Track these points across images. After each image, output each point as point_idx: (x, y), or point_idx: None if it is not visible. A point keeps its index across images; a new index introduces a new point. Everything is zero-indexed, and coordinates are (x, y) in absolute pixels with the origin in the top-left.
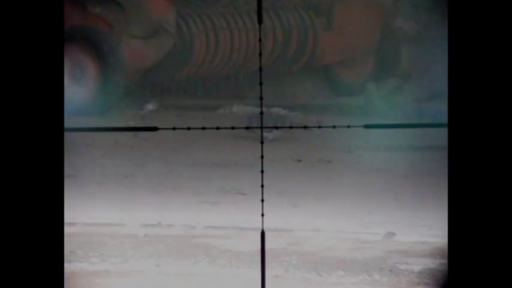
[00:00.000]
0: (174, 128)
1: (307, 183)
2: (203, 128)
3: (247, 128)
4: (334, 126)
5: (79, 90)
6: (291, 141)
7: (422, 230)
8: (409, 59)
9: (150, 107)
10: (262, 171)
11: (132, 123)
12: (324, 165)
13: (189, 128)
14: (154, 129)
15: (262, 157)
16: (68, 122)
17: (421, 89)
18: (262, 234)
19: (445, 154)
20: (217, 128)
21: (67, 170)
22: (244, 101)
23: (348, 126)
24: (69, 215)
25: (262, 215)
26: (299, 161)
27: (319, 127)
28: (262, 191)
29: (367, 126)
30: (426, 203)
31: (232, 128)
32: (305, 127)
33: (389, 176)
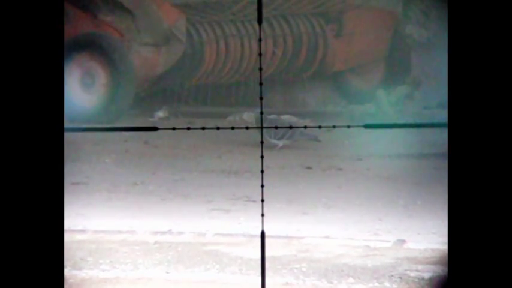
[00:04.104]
0: (174, 128)
1: (317, 190)
2: (203, 128)
3: (247, 128)
4: (334, 126)
5: (89, 97)
6: (301, 149)
7: (432, 237)
8: (419, 66)
9: (161, 114)
10: (262, 171)
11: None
12: (334, 173)
13: (188, 128)
14: (155, 129)
15: (262, 157)
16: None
17: (431, 96)
18: (262, 234)
19: None
20: (217, 128)
21: (78, 178)
22: (255, 108)
23: (348, 126)
24: (79, 222)
25: (262, 215)
26: (309, 168)
27: (319, 127)
28: (262, 191)
29: (367, 126)
30: (436, 210)
31: (232, 128)
32: (305, 127)
33: (400, 183)
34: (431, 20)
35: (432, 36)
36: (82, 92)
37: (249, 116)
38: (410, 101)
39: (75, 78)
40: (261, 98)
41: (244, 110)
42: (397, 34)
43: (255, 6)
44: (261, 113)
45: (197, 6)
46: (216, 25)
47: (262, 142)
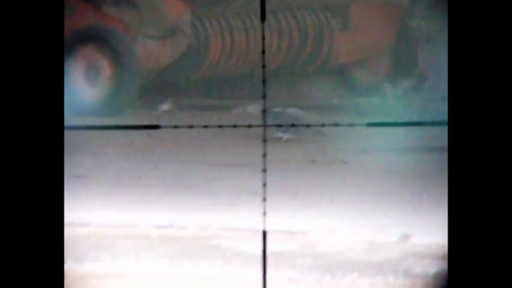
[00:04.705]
0: (176, 126)
1: (322, 184)
2: (205, 126)
3: (249, 126)
4: (337, 124)
5: (93, 90)
6: (306, 142)
7: (437, 232)
8: (425, 60)
9: (165, 107)
10: (264, 170)
11: (147, 124)
12: (339, 166)
13: (191, 126)
14: (157, 127)
15: (264, 155)
16: (82, 122)
17: (437, 90)
18: (264, 234)
19: None
20: (219, 127)
21: (80, 171)
22: (260, 101)
23: (351, 125)
24: (82, 216)
25: (264, 214)
26: (313, 162)
27: (323, 125)
28: (265, 189)
29: (370, 124)
30: (442, 205)
31: (235, 126)
32: (308, 125)
33: (405, 177)
34: (437, 13)
35: (438, 30)
36: (86, 84)
37: (254, 109)
38: (416, 94)
39: (79, 70)
40: (264, 96)
41: (249, 103)
42: (403, 27)
43: None
44: (264, 111)
45: None
46: (221, 18)
47: (265, 141)
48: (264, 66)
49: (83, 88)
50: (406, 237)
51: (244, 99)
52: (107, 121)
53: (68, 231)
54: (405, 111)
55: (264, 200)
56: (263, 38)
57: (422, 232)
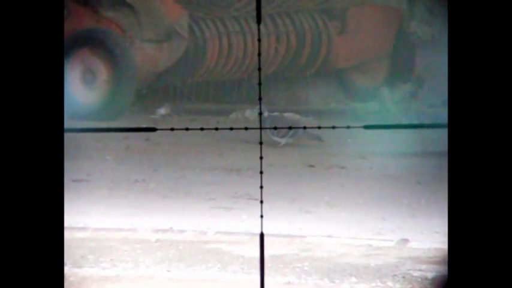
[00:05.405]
0: (172, 129)
1: (320, 189)
2: (201, 129)
3: (246, 128)
4: (333, 127)
5: (91, 94)
6: (304, 147)
7: (435, 237)
8: (423, 64)
9: (163, 111)
10: (261, 172)
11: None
12: (337, 171)
13: (187, 129)
14: (153, 129)
15: (261, 158)
16: (80, 126)
17: (435, 95)
18: (261, 236)
19: None
20: (216, 129)
21: (79, 175)
22: (258, 105)
23: (348, 127)
24: (80, 220)
25: (261, 216)
26: (312, 166)
27: (319, 127)
28: (261, 192)
29: (367, 127)
30: (440, 210)
31: (231, 128)
32: (304, 128)
33: (403, 182)
34: (435, 17)
35: (437, 34)
36: (83, 88)
37: (252, 114)
38: (415, 99)
39: (76, 74)
40: (260, 99)
41: (246, 107)
42: (401, 31)
43: None
44: (260, 113)
45: (200, 2)
46: (218, 21)
47: (261, 143)
48: (259, 69)
49: (80, 91)
50: (404, 241)
51: (242, 104)
52: (104, 125)
53: (66, 235)
54: (403, 116)
55: (261, 202)
56: (259, 40)
57: (421, 237)
